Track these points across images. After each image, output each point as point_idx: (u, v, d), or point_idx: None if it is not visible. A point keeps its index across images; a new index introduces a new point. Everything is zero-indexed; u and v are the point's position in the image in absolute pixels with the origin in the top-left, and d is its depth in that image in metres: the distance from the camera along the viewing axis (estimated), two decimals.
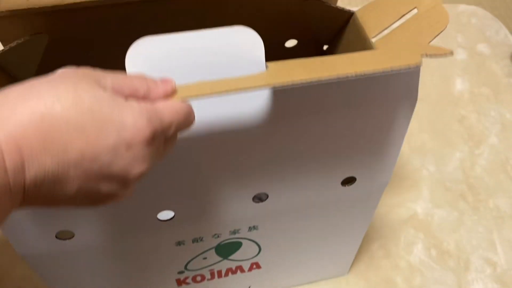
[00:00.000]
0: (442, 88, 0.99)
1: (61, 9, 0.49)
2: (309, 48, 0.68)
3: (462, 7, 1.12)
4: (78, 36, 0.55)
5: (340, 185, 0.55)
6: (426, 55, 0.41)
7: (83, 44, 0.57)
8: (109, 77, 0.30)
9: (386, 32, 0.54)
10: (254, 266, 0.66)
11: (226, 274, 0.66)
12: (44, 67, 0.57)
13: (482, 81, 1.01)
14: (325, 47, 0.69)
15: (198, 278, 0.64)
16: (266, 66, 0.40)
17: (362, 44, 0.56)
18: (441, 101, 0.97)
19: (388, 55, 0.41)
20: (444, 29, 0.50)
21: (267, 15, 0.61)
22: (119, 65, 0.36)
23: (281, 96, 0.43)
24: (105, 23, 0.55)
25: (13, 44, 0.51)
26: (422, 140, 0.91)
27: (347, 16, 0.59)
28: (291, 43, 0.67)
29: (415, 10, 0.53)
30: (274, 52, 0.67)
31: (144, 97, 0.31)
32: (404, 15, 0.54)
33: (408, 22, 0.52)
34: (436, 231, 0.81)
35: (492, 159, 0.89)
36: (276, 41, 0.65)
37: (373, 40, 0.54)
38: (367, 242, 0.79)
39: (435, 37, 0.50)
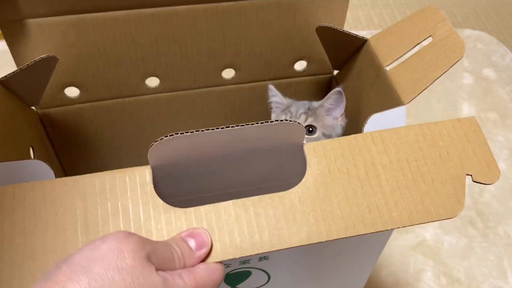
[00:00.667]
0: (449, 113, 0.99)
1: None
2: (318, 73, 0.68)
3: (468, 31, 1.12)
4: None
5: None
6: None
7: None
8: (153, 253, 0.31)
9: (400, 60, 0.53)
10: None
11: None
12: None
13: (488, 106, 1.00)
14: (335, 72, 0.68)
15: None
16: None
17: (375, 72, 0.55)
18: None
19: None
20: (460, 58, 0.49)
21: (275, 35, 0.60)
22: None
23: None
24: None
25: (23, 67, 0.51)
26: None
27: (360, 43, 0.58)
28: (300, 65, 0.67)
29: (430, 39, 0.53)
30: (283, 74, 0.67)
31: (184, 266, 0.33)
32: (418, 43, 0.53)
33: (423, 51, 0.52)
34: (446, 258, 0.79)
35: (501, 185, 0.88)
36: (286, 62, 0.65)
37: (387, 68, 0.54)
38: (375, 269, 0.77)
39: (451, 66, 0.49)
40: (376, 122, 0.48)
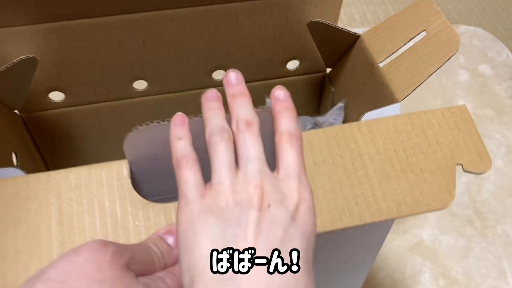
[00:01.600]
0: None
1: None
2: (311, 72, 0.66)
3: (463, 28, 1.10)
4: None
5: None
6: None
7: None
8: (132, 259, 0.29)
9: (394, 56, 0.52)
10: None
11: None
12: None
13: (485, 103, 0.99)
14: (328, 70, 0.67)
15: None
16: None
17: (368, 69, 0.54)
18: None
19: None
20: (455, 52, 0.48)
21: (267, 35, 0.59)
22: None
23: None
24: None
25: (2, 69, 0.49)
26: None
27: (353, 39, 0.57)
28: (293, 64, 0.65)
29: (424, 33, 0.51)
30: (275, 74, 0.65)
31: (164, 267, 0.32)
32: (412, 38, 0.52)
33: (417, 46, 0.50)
34: (444, 259, 0.78)
35: (499, 183, 0.87)
36: (278, 62, 0.63)
37: (381, 65, 0.52)
38: (372, 271, 0.76)
39: (446, 61, 0.48)
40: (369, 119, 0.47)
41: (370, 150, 0.37)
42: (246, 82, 0.65)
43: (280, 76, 0.66)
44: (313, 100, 0.71)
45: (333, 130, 0.38)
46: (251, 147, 0.30)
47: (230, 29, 0.56)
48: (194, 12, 0.52)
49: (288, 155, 0.31)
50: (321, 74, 0.67)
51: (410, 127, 0.39)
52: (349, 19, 1.06)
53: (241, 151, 0.30)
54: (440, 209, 0.37)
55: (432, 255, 0.79)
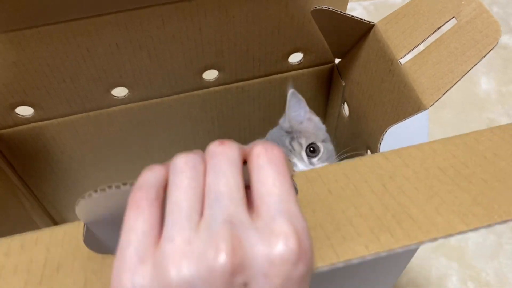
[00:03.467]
0: (466, 90, 0.88)
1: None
2: (317, 64, 0.58)
3: None
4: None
5: None
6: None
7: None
8: None
9: (417, 50, 0.43)
10: None
11: None
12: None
13: (510, 78, 0.90)
14: (336, 61, 0.58)
15: None
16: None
17: (387, 65, 0.45)
18: (466, 104, 0.86)
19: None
20: (495, 45, 0.39)
21: (264, 28, 0.50)
22: None
23: None
24: None
25: None
26: None
27: (366, 28, 0.48)
28: (295, 57, 0.56)
29: (454, 21, 0.42)
30: (276, 69, 0.57)
31: None
32: (439, 27, 0.43)
33: (446, 37, 0.41)
34: (472, 260, 0.71)
35: None
36: (278, 56, 0.54)
37: (402, 61, 0.43)
38: None
39: (483, 57, 0.39)
40: (394, 136, 0.38)
41: (405, 172, 0.29)
42: (242, 80, 0.57)
43: (282, 71, 0.57)
44: (321, 94, 0.63)
45: (349, 163, 0.29)
46: (221, 181, 0.21)
47: (219, 25, 0.47)
48: (174, 9, 0.43)
49: (267, 177, 0.21)
50: (328, 65, 0.59)
51: (453, 147, 0.30)
52: None
53: (208, 186, 0.21)
54: None
55: (458, 256, 0.72)
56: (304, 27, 0.51)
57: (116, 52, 0.46)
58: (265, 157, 0.22)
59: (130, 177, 0.65)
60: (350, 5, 0.95)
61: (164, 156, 0.63)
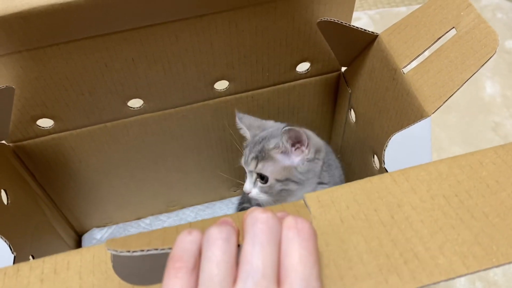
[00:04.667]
0: (471, 94, 0.90)
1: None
2: (324, 73, 0.60)
3: (485, 0, 1.02)
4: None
5: None
6: None
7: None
8: None
9: (419, 59, 0.45)
10: None
11: None
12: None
13: None
14: (343, 69, 0.60)
15: None
16: None
17: (390, 74, 0.47)
18: (471, 108, 0.88)
19: None
20: (493, 54, 0.41)
21: (272, 40, 0.52)
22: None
23: None
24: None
25: None
26: (454, 154, 0.82)
27: (370, 39, 0.50)
28: (303, 66, 0.58)
29: (454, 31, 0.44)
30: (284, 78, 0.59)
31: None
32: (440, 37, 0.45)
33: (446, 47, 0.43)
34: None
35: None
36: (286, 67, 0.56)
37: (405, 70, 0.45)
38: None
39: (482, 65, 0.41)
40: (398, 143, 0.40)
41: (412, 199, 0.30)
42: (252, 89, 0.59)
43: (290, 80, 0.59)
44: (328, 101, 0.65)
45: (360, 185, 0.31)
46: (257, 254, 0.23)
47: (230, 38, 0.49)
48: (186, 25, 0.46)
49: (294, 251, 0.23)
50: (335, 73, 0.61)
51: (458, 170, 0.32)
52: (361, 1, 0.98)
53: (244, 255, 0.23)
54: None
55: None
56: (310, 38, 0.53)
57: (132, 66, 0.48)
58: (295, 230, 0.24)
59: (145, 184, 0.67)
60: (356, 15, 0.97)
61: (177, 163, 0.66)
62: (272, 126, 0.57)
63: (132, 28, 0.44)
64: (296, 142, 0.51)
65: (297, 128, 0.49)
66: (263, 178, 0.52)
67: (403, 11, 1.04)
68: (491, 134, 0.85)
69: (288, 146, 0.51)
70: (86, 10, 0.41)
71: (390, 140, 0.40)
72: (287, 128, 0.49)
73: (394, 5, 1.05)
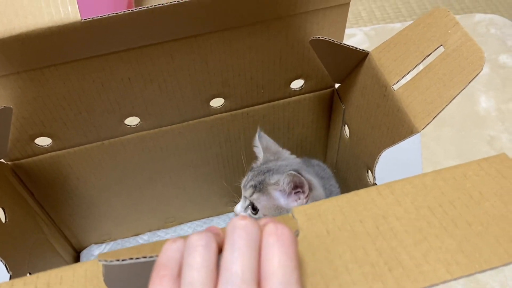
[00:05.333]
0: (466, 108, 0.91)
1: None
2: (318, 89, 0.61)
3: (479, 16, 1.03)
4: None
5: None
6: None
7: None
8: None
9: (409, 76, 0.46)
10: None
11: None
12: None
13: (509, 96, 0.92)
14: (337, 85, 0.61)
15: None
16: None
17: (381, 91, 0.48)
18: (466, 122, 0.89)
19: None
20: (480, 71, 0.42)
21: (266, 58, 0.53)
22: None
23: None
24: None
25: None
26: None
27: (361, 56, 0.51)
28: (297, 83, 0.59)
29: (441, 49, 0.45)
30: (278, 95, 0.60)
31: None
32: (428, 55, 0.46)
33: (435, 64, 0.44)
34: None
35: None
36: (280, 84, 0.57)
37: (395, 87, 0.46)
38: None
39: (469, 82, 0.42)
40: (388, 159, 0.41)
41: (397, 211, 0.31)
42: (247, 106, 0.60)
43: (284, 96, 0.60)
44: (323, 117, 0.66)
45: (347, 198, 0.32)
46: (236, 259, 0.23)
47: (224, 57, 0.50)
48: (181, 44, 0.47)
49: (273, 256, 0.24)
50: (329, 90, 0.62)
51: (442, 182, 0.33)
52: (356, 17, 0.99)
53: (224, 262, 0.24)
54: (508, 263, 0.30)
55: None
56: (304, 55, 0.54)
57: (128, 85, 0.49)
58: (275, 236, 0.24)
59: (142, 200, 0.68)
60: (351, 31, 0.99)
61: (175, 179, 0.67)
62: (287, 158, 0.58)
63: (128, 49, 0.45)
64: (298, 187, 0.51)
65: (302, 177, 0.49)
66: (254, 208, 0.53)
67: (398, 27, 1.05)
68: (487, 147, 0.86)
69: (288, 189, 0.52)
70: (82, 32, 0.42)
71: (381, 156, 0.41)
72: (292, 172, 0.49)
73: (389, 21, 1.06)
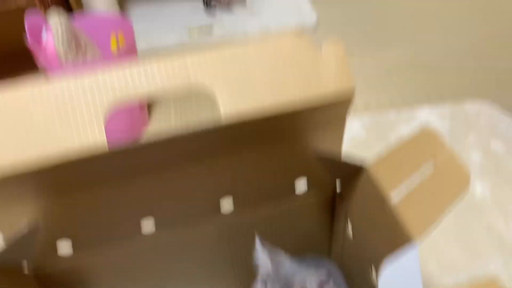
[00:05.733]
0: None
1: None
2: (321, 192, 0.65)
3: (468, 105, 1.10)
4: None
5: None
6: None
7: None
8: None
9: (404, 191, 0.50)
10: None
11: None
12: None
13: (503, 182, 0.96)
14: (338, 189, 0.66)
15: None
16: None
17: (379, 204, 0.52)
18: (464, 208, 0.93)
19: None
20: (466, 192, 0.46)
21: (272, 167, 0.58)
22: None
23: None
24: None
25: (12, 242, 0.49)
26: (451, 256, 0.86)
27: (358, 170, 0.56)
28: (301, 186, 0.64)
29: (431, 164, 0.50)
30: (284, 198, 0.64)
31: None
32: (420, 169, 0.50)
33: (427, 181, 0.49)
34: None
35: None
36: (286, 185, 0.62)
37: (391, 201, 0.51)
38: None
39: (457, 202, 0.46)
40: (389, 272, 0.45)
41: None
42: (256, 210, 0.64)
43: (289, 199, 0.65)
44: (325, 220, 0.70)
45: None
46: None
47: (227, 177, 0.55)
48: (169, 176, 0.53)
49: None
50: (331, 195, 0.66)
51: None
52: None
53: None
54: None
55: None
56: (307, 161, 0.59)
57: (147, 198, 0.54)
58: None
59: None
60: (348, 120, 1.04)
61: (190, 277, 0.70)
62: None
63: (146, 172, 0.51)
64: None
65: None
66: None
67: (393, 117, 1.11)
68: (486, 234, 0.89)
69: None
70: (108, 159, 0.47)
71: (380, 270, 0.44)
72: None
73: (384, 108, 1.13)
